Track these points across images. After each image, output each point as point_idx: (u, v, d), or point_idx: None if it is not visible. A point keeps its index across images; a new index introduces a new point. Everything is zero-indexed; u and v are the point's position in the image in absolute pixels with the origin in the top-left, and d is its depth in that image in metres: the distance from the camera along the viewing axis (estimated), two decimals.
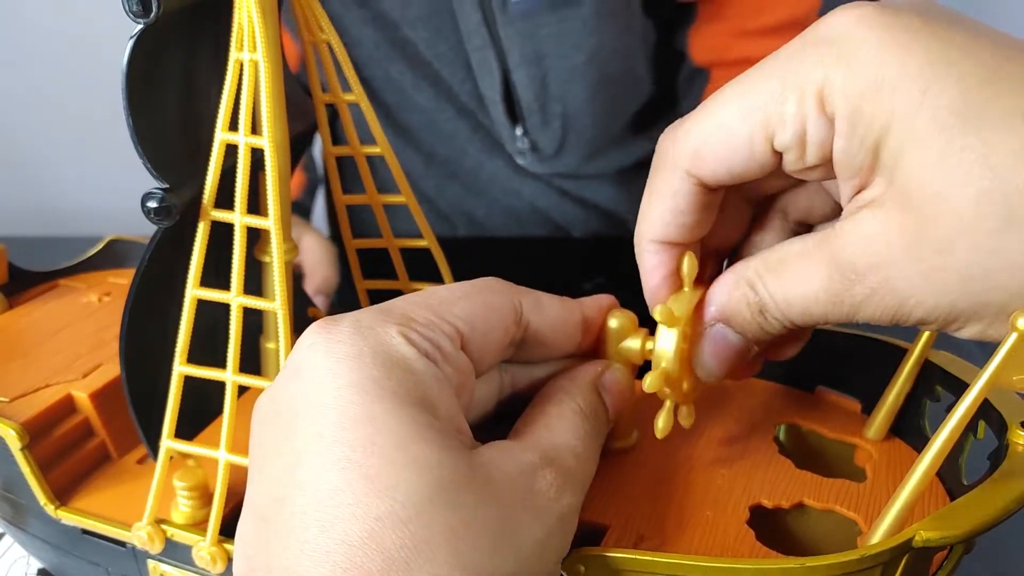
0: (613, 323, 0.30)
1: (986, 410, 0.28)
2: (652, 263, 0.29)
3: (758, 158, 0.25)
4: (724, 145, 0.25)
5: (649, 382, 0.27)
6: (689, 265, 0.28)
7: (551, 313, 0.29)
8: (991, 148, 0.21)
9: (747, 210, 0.30)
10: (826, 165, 0.24)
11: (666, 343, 0.28)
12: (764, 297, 0.26)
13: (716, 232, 0.30)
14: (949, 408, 0.29)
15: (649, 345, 0.30)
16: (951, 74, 0.21)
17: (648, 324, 0.30)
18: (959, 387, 0.31)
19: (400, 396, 0.23)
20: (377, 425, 0.22)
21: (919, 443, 0.32)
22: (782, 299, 0.26)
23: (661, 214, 0.27)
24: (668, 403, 0.29)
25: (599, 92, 0.74)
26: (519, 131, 0.75)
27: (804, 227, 0.30)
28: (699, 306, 0.29)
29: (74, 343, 0.43)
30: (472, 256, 0.80)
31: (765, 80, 0.24)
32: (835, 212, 0.29)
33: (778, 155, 0.25)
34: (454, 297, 0.26)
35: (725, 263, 0.31)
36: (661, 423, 0.29)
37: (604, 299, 0.31)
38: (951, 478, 0.30)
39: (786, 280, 0.26)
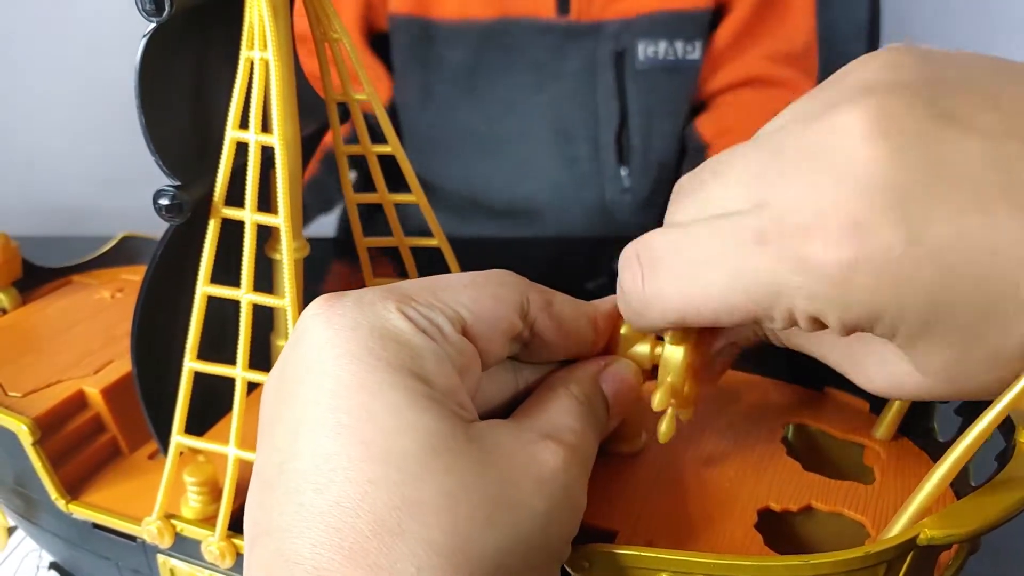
0: (623, 329, 0.30)
1: None
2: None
3: (739, 315, 0.24)
4: (709, 320, 0.24)
5: (658, 400, 0.28)
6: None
7: (563, 312, 0.29)
8: (1001, 348, 0.21)
9: None
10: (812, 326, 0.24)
11: (674, 358, 0.28)
12: (773, 338, 0.29)
13: None
14: (957, 410, 0.29)
15: (658, 351, 0.30)
16: (954, 294, 0.21)
17: None
18: None
19: (395, 366, 0.23)
20: (371, 392, 0.23)
21: (928, 444, 0.32)
22: (795, 347, 0.29)
23: (650, 329, 0.28)
24: (670, 409, 0.29)
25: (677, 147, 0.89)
26: (624, 171, 0.88)
27: None
28: None
29: (86, 339, 0.43)
30: (479, 255, 0.81)
31: (751, 291, 0.23)
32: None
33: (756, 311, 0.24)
34: (460, 284, 0.27)
35: None
36: (664, 428, 0.29)
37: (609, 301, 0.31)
38: (958, 478, 0.29)
39: (803, 341, 0.28)
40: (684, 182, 0.27)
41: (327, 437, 0.22)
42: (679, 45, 0.84)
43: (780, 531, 0.30)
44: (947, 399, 0.25)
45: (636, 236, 0.26)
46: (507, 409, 0.29)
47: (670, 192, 0.27)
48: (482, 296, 0.27)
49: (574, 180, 0.89)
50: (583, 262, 0.85)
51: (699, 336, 0.29)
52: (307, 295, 0.36)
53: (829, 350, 0.28)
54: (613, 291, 0.31)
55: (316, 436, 0.23)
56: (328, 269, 0.80)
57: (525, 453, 0.24)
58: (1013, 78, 0.22)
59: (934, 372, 0.23)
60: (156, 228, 0.33)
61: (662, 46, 0.84)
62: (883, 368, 0.25)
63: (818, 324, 0.23)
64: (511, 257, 0.82)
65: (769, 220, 0.23)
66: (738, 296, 0.23)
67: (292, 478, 0.22)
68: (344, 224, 0.97)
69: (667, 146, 0.89)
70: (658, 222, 0.26)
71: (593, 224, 0.90)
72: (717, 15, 0.86)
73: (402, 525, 0.21)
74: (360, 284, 0.40)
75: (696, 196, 0.26)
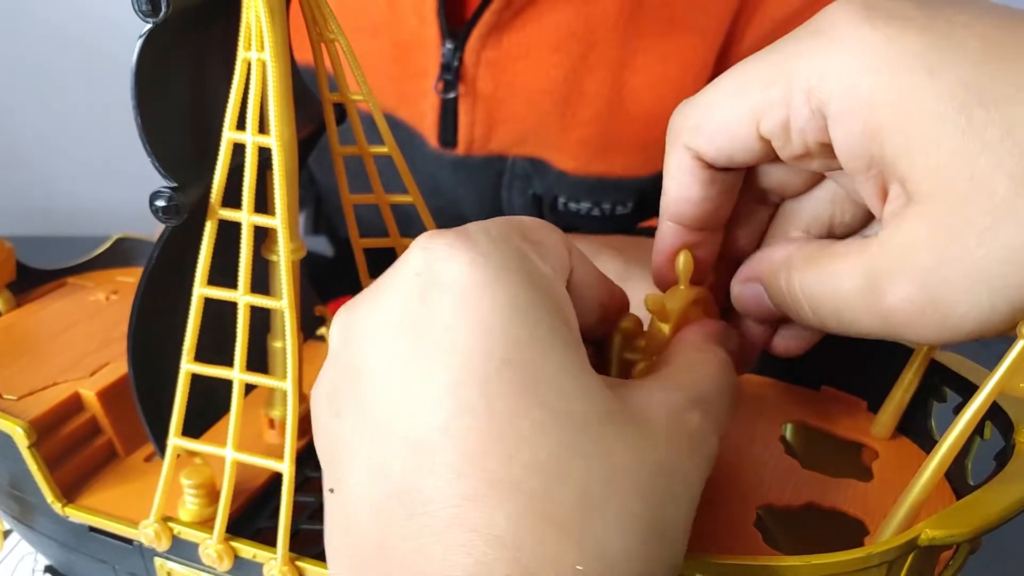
0: (623, 323, 0.30)
1: (993, 411, 0.28)
2: (664, 242, 0.29)
3: (747, 142, 0.25)
4: (718, 125, 0.25)
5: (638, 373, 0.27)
6: (684, 263, 0.28)
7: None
8: (1016, 121, 0.19)
9: (764, 216, 0.30)
10: (820, 156, 0.25)
11: (660, 336, 0.28)
12: (796, 286, 0.26)
13: (731, 240, 0.30)
14: (956, 408, 0.29)
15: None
16: (957, 51, 0.20)
17: None
18: (966, 387, 0.31)
19: (558, 322, 0.21)
20: (544, 349, 0.20)
21: (926, 443, 0.32)
22: (811, 294, 0.25)
23: (671, 190, 0.28)
24: None
25: None
26: None
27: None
28: (694, 305, 0.29)
29: (82, 341, 0.43)
30: None
31: (760, 66, 0.24)
32: (862, 223, 0.28)
33: (767, 142, 0.25)
34: (566, 242, 0.25)
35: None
36: None
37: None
38: (958, 479, 0.30)
39: (819, 276, 0.25)
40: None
41: (507, 398, 0.20)
42: (606, 206, 0.72)
43: (778, 529, 0.30)
44: (965, 286, 0.21)
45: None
46: None
47: None
48: (588, 266, 0.26)
49: None
50: None
51: (688, 311, 0.28)
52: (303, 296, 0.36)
53: (846, 282, 0.24)
54: None
55: (487, 393, 0.20)
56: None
57: (678, 423, 0.22)
58: None
59: (953, 178, 0.20)
60: (152, 229, 0.33)
61: (584, 205, 0.71)
62: (893, 237, 0.22)
63: (811, 108, 0.23)
64: None
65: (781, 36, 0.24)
66: (749, 74, 0.24)
67: (464, 440, 0.20)
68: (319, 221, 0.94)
69: None
70: None
71: None
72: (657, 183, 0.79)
73: (604, 496, 0.19)
74: (356, 285, 0.40)
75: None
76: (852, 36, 0.22)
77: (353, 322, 0.23)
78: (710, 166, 0.27)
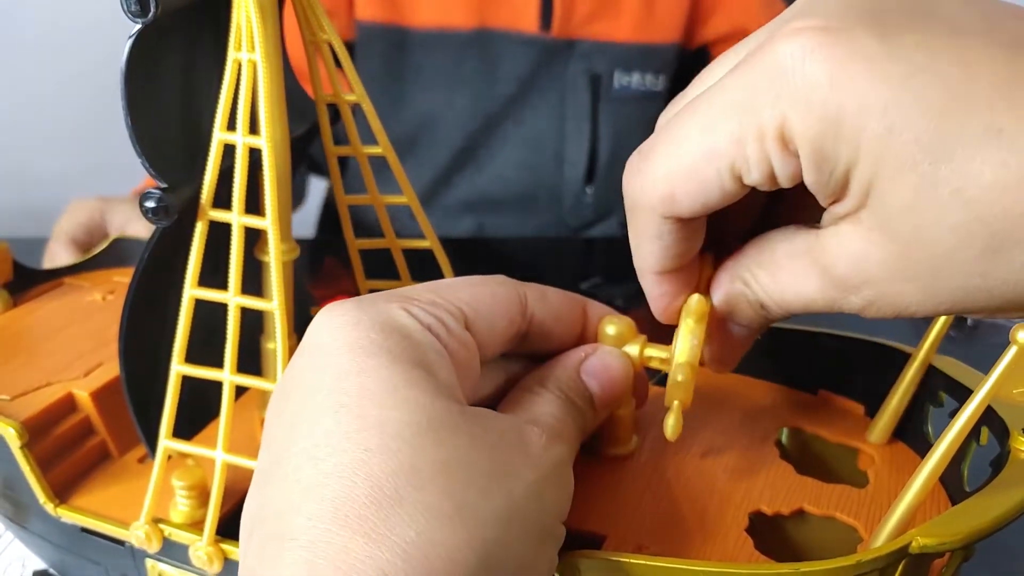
0: (611, 330, 0.30)
1: (989, 417, 0.28)
2: (656, 293, 0.29)
3: (731, 193, 0.24)
4: (694, 186, 0.24)
5: (671, 428, 0.27)
6: (698, 309, 0.28)
7: (555, 303, 0.29)
8: (965, 179, 0.20)
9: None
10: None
11: (682, 382, 0.28)
12: (761, 295, 0.27)
13: (728, 222, 0.29)
14: (952, 413, 0.29)
15: (648, 351, 0.30)
16: (915, 104, 0.20)
17: (645, 330, 0.30)
18: (963, 393, 0.30)
19: (396, 354, 0.24)
20: (370, 375, 0.23)
21: (922, 448, 0.32)
22: (779, 298, 0.26)
23: (651, 252, 0.27)
24: (676, 403, 0.28)
25: None
26: (589, 189, 0.93)
27: None
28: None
29: (77, 341, 0.43)
30: (472, 257, 0.81)
31: (724, 119, 0.23)
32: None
33: (743, 186, 0.24)
34: (460, 285, 0.27)
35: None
36: (671, 422, 0.28)
37: (601, 306, 0.31)
38: (954, 485, 0.29)
39: (780, 281, 0.26)
40: (680, 94, 0.27)
41: (326, 416, 0.22)
42: (648, 77, 0.91)
43: (772, 535, 0.29)
44: (930, 296, 0.22)
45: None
46: (495, 401, 0.29)
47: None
48: (482, 294, 0.27)
49: (535, 188, 0.93)
50: (576, 262, 0.85)
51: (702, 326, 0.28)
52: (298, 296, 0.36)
53: (813, 288, 0.25)
54: (606, 291, 0.31)
55: (316, 418, 0.23)
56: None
57: (513, 431, 0.25)
58: None
59: (900, 225, 0.22)
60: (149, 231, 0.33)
61: (635, 77, 0.91)
62: (856, 266, 0.23)
63: (787, 150, 0.22)
64: (503, 258, 0.83)
65: (740, 58, 0.23)
66: (714, 134, 0.23)
67: (290, 461, 0.22)
68: (325, 224, 0.97)
69: None
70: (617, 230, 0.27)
71: (546, 228, 0.96)
72: (684, 52, 0.92)
73: (400, 491, 0.21)
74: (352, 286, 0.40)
75: (687, 91, 0.27)
76: (814, 86, 0.21)
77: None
78: (689, 220, 0.26)
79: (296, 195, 0.89)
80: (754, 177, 0.23)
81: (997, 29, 0.21)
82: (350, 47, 0.89)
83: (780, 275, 0.26)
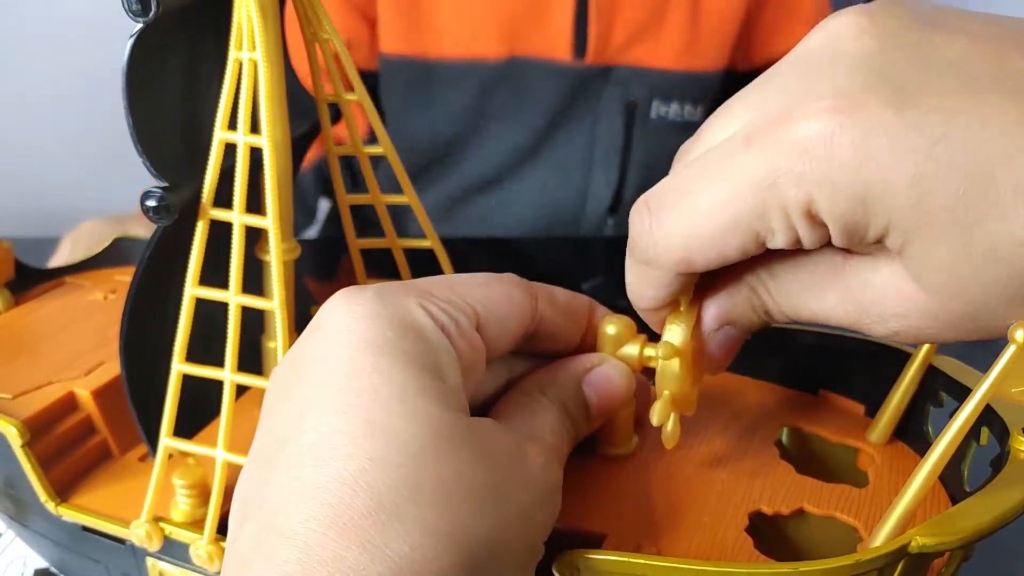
0: (610, 329, 0.30)
1: (989, 416, 0.28)
2: (654, 320, 0.29)
3: (752, 253, 0.24)
4: (715, 253, 0.24)
5: (657, 413, 0.28)
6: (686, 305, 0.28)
7: (563, 304, 0.30)
8: (998, 238, 0.20)
9: None
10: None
11: (670, 370, 0.28)
12: (768, 303, 0.27)
13: None
14: (952, 413, 0.29)
15: (648, 351, 0.30)
16: (940, 174, 0.20)
17: (646, 329, 0.30)
18: (963, 393, 0.30)
19: (411, 357, 0.24)
20: (383, 377, 0.23)
21: (922, 448, 0.32)
22: (790, 309, 0.26)
23: (654, 298, 0.27)
24: (673, 413, 0.29)
25: None
26: (611, 220, 0.89)
27: None
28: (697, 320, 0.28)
29: (78, 340, 0.43)
30: (473, 256, 0.81)
31: (744, 195, 0.23)
32: None
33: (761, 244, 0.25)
34: (475, 283, 0.27)
35: None
36: (669, 430, 0.28)
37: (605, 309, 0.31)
38: (954, 485, 0.29)
39: (794, 293, 0.26)
40: (685, 143, 0.27)
41: (334, 414, 0.22)
42: (687, 107, 0.86)
43: (773, 535, 0.29)
44: (958, 333, 0.23)
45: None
46: (495, 398, 0.29)
47: None
48: (495, 294, 0.27)
49: (553, 226, 0.90)
50: (578, 263, 0.85)
51: (695, 323, 0.28)
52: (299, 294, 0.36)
53: (832, 305, 0.26)
54: (609, 291, 0.31)
55: (323, 413, 0.23)
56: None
57: (516, 451, 0.25)
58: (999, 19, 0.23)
59: (936, 281, 0.22)
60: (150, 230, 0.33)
61: (673, 107, 0.85)
62: (885, 300, 0.24)
63: (814, 222, 0.22)
64: (505, 258, 0.83)
65: (756, 124, 0.23)
66: (736, 207, 0.23)
67: (293, 452, 0.22)
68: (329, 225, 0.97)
69: None
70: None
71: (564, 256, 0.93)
72: (727, 79, 0.87)
73: (399, 507, 0.21)
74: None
75: (695, 144, 0.26)
76: (840, 166, 0.21)
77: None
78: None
79: (307, 214, 0.90)
80: (779, 242, 0.23)
81: (1005, 74, 0.21)
82: (373, 78, 0.86)
83: (795, 287, 0.26)
